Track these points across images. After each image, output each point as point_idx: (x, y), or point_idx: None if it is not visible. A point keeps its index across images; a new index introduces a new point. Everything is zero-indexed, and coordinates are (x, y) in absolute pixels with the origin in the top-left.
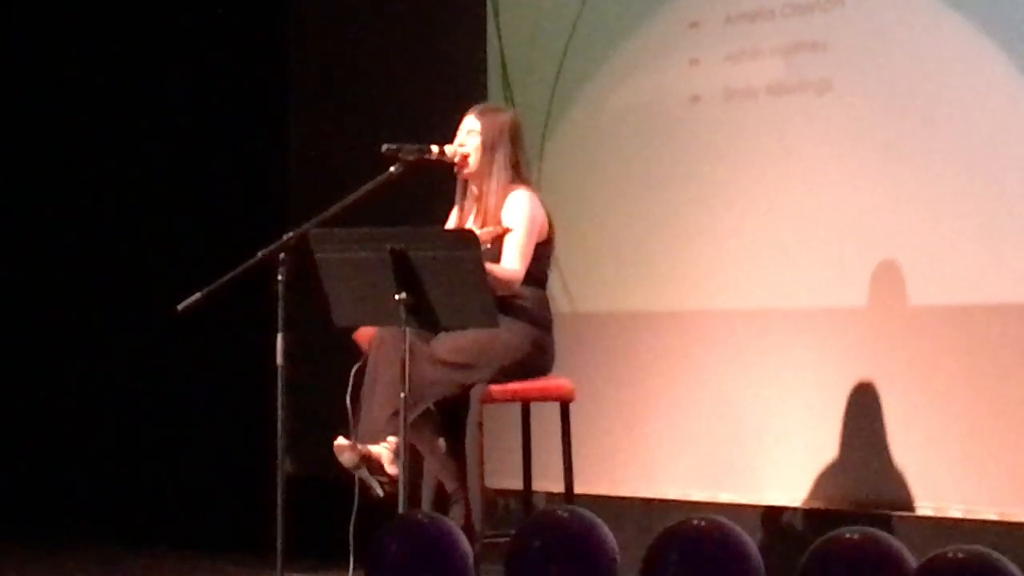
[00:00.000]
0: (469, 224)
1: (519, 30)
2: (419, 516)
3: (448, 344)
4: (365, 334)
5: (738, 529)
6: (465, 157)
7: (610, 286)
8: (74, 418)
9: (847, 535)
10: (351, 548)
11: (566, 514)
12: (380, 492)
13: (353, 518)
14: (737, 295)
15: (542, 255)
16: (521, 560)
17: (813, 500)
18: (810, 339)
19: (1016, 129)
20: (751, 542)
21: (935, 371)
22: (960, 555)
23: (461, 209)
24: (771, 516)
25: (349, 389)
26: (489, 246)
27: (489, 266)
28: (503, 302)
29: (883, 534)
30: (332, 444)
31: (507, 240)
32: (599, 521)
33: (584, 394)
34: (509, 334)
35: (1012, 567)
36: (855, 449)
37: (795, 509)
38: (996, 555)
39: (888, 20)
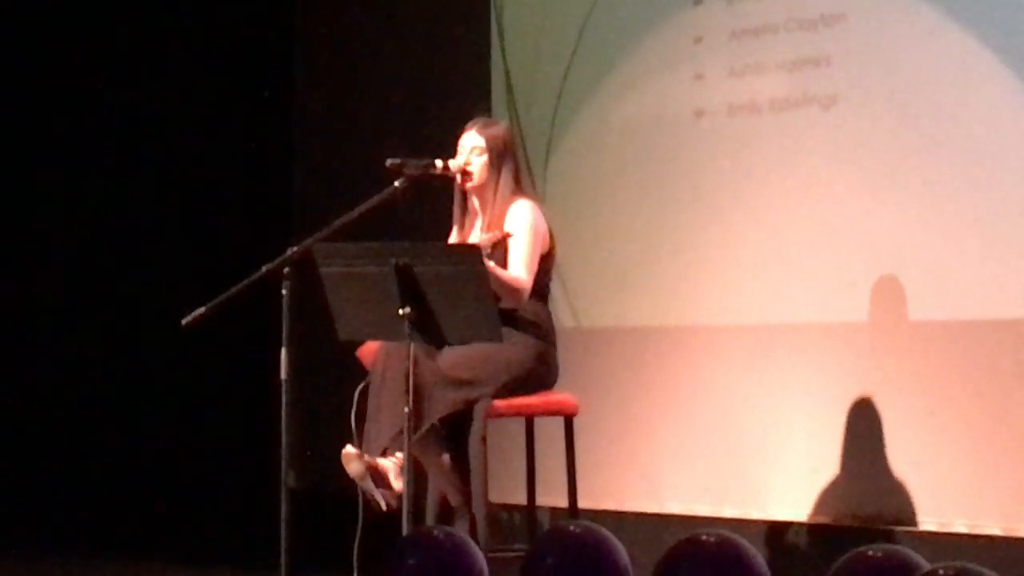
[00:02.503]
0: (471, 239)
1: (523, 45)
2: (435, 531)
3: (452, 359)
4: (367, 351)
5: (747, 545)
6: (470, 174)
7: (614, 301)
8: (77, 431)
9: (870, 552)
10: (355, 564)
11: (578, 529)
12: (384, 505)
13: (359, 534)
14: (740, 310)
15: (544, 268)
16: None
17: (817, 515)
18: (812, 354)
19: (1019, 144)
20: (759, 557)
21: (937, 386)
22: (950, 572)
23: (461, 226)
24: (775, 531)
25: (354, 409)
26: (490, 251)
27: (495, 269)
28: (507, 316)
29: (907, 550)
30: (336, 458)
31: (511, 251)
32: (611, 536)
33: (588, 409)
34: (513, 348)
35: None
36: (858, 464)
37: (799, 524)
38: (982, 570)
39: (892, 35)
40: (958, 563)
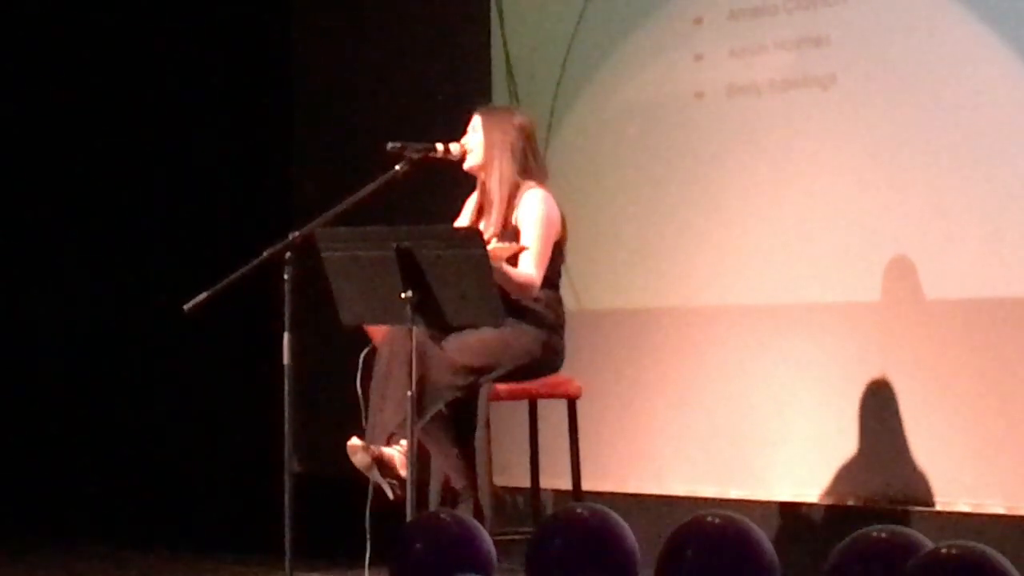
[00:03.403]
0: (483, 225)
1: (523, 27)
2: (443, 515)
3: (459, 347)
4: (376, 327)
5: (752, 525)
6: (467, 153)
7: (616, 283)
8: (80, 417)
9: (874, 533)
10: (368, 548)
11: (586, 511)
12: (391, 494)
13: (368, 517)
14: (745, 291)
15: (556, 255)
16: (542, 558)
17: (823, 496)
18: (821, 334)
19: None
20: (765, 539)
21: (949, 366)
22: (953, 551)
23: (478, 211)
24: (780, 512)
25: (359, 376)
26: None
27: (507, 268)
28: (515, 304)
29: (910, 531)
30: (340, 443)
31: (523, 244)
32: (618, 518)
33: (591, 391)
34: (521, 336)
35: (1005, 562)
36: (866, 445)
37: (805, 505)
38: (987, 550)
39: (892, 13)
40: (961, 542)
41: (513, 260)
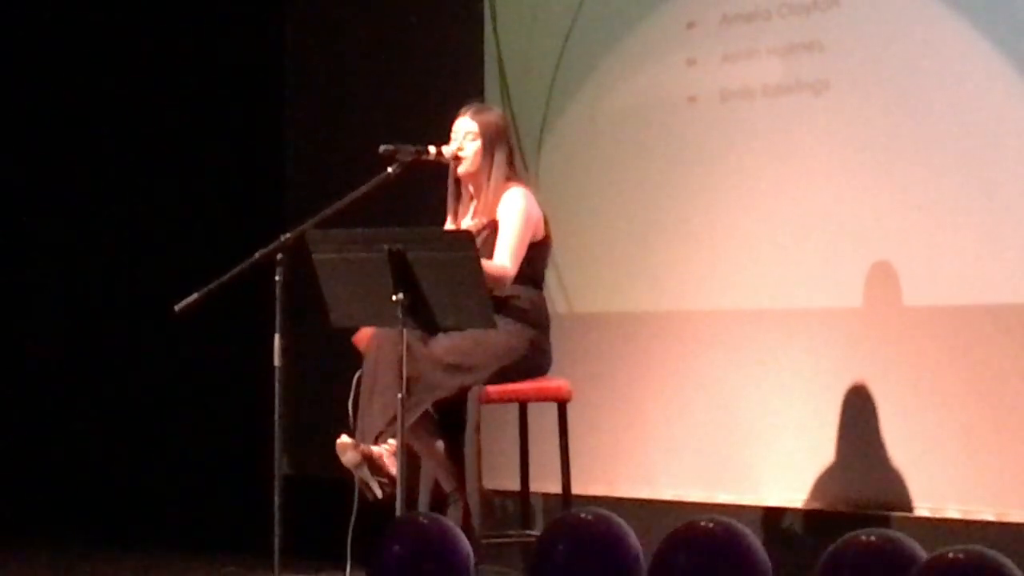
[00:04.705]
0: (464, 226)
1: (516, 30)
2: (420, 517)
3: (446, 345)
4: (363, 337)
5: (746, 530)
6: (463, 159)
7: (607, 286)
8: (71, 418)
9: (863, 537)
10: (348, 550)
11: (590, 516)
12: (379, 493)
13: (353, 520)
14: (734, 295)
15: (539, 255)
16: (546, 564)
17: (810, 501)
18: (806, 340)
19: (1012, 129)
20: (759, 544)
21: (931, 371)
22: (960, 555)
23: (455, 213)
24: (768, 517)
25: (352, 395)
26: (483, 236)
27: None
28: (500, 303)
29: (900, 535)
30: (330, 445)
31: (499, 237)
32: (623, 523)
33: (581, 395)
34: (506, 335)
35: (1011, 566)
36: (852, 450)
37: (792, 510)
38: (995, 554)
39: (885, 20)
40: (967, 546)
41: (490, 245)
